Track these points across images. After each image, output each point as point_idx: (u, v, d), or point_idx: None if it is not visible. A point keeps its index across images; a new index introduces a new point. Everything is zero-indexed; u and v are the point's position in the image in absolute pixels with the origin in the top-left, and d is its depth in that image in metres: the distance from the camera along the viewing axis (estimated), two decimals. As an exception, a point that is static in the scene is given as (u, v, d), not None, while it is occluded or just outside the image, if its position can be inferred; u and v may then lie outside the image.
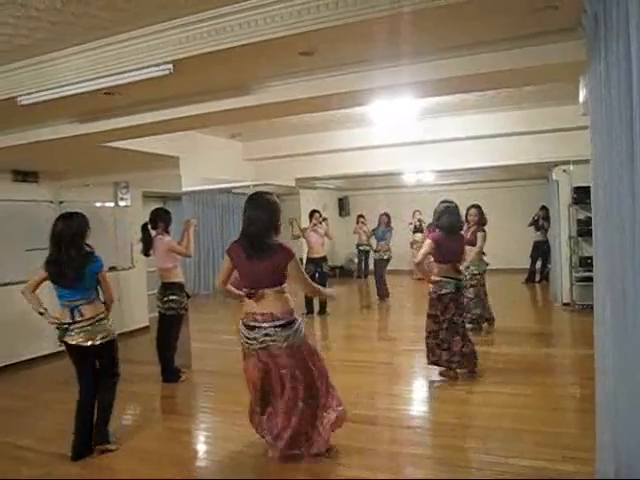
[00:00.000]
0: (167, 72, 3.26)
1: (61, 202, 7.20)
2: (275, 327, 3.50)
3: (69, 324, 3.82)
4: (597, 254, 2.75)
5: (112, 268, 8.04)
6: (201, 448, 4.28)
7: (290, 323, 3.55)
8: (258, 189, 9.59)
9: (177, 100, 4.08)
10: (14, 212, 6.70)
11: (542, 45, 3.06)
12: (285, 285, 3.64)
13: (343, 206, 15.73)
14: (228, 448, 4.02)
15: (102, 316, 3.90)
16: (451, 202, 5.36)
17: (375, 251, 10.73)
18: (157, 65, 3.26)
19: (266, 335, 3.50)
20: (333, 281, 13.54)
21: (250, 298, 3.59)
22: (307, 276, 3.93)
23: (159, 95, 4.03)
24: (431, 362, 5.34)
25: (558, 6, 2.65)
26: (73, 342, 3.81)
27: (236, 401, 4.96)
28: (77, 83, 3.56)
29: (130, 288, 8.27)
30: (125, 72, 3.38)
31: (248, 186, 8.49)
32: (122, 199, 8.33)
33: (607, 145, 2.35)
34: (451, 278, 5.19)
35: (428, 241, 5.34)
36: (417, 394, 5.22)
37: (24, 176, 6.93)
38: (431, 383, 5.35)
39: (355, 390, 5.02)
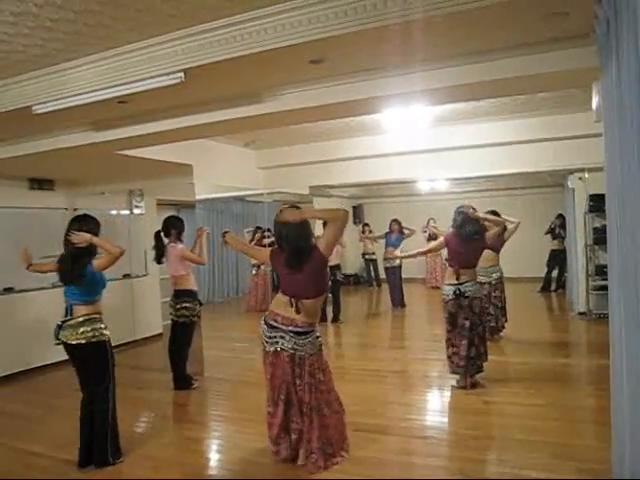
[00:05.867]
0: (178, 80, 3.30)
1: (75, 209, 7.25)
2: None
3: (62, 322, 3.82)
4: (611, 262, 2.71)
5: (126, 275, 8.13)
6: (212, 457, 4.26)
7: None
8: (271, 197, 9.74)
9: (189, 109, 4.13)
10: (30, 219, 6.78)
11: (555, 51, 3.05)
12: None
13: (357, 214, 15.71)
14: (239, 456, 4.00)
15: (96, 317, 3.83)
16: (465, 207, 5.33)
17: (384, 259, 10.57)
18: (168, 74, 3.31)
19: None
20: (347, 289, 13.53)
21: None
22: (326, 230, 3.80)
23: (171, 104, 4.07)
24: (452, 372, 5.31)
25: (569, 12, 2.64)
26: (63, 339, 3.79)
27: (247, 409, 4.97)
28: (90, 92, 3.61)
29: (144, 295, 8.32)
30: (137, 81, 3.43)
31: (262, 194, 8.51)
32: (136, 207, 8.39)
33: (620, 152, 2.32)
34: (451, 284, 5.18)
35: (441, 239, 5.59)
36: (430, 403, 5.16)
37: (40, 184, 7.03)
38: (445, 392, 5.30)
39: (368, 399, 5.00)
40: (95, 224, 3.93)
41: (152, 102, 3.96)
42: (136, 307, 8.20)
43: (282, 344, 3.57)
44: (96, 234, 3.87)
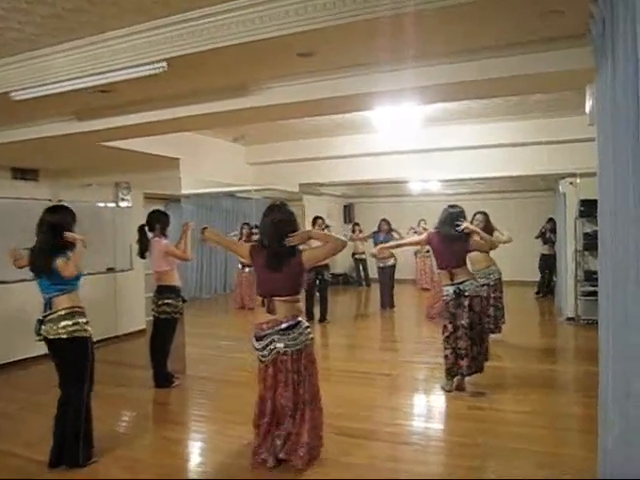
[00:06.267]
0: (161, 70, 3.20)
1: (60, 201, 7.10)
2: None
3: (44, 317, 3.68)
4: (602, 268, 2.64)
5: (110, 269, 8.00)
6: (190, 459, 4.13)
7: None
8: (260, 194, 9.63)
9: (174, 100, 4.02)
10: (12, 210, 6.62)
11: (549, 52, 2.98)
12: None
13: (349, 213, 15.64)
14: (219, 460, 3.89)
15: (78, 310, 3.70)
16: (456, 207, 5.22)
17: (372, 255, 10.41)
18: (151, 63, 3.19)
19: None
20: (336, 289, 13.44)
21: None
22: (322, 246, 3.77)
23: (156, 95, 3.97)
24: (447, 373, 5.13)
25: (564, 11, 2.55)
26: (44, 334, 3.66)
27: (229, 409, 4.88)
28: (70, 80, 3.50)
29: (128, 290, 8.19)
30: (119, 70, 3.31)
31: (250, 190, 8.40)
32: (123, 200, 8.26)
33: (613, 156, 2.23)
34: (449, 285, 5.09)
35: (424, 235, 5.54)
36: (417, 408, 5.07)
37: (23, 174, 6.88)
38: (431, 396, 5.23)
39: (353, 402, 4.90)
40: (70, 216, 3.80)
41: (135, 92, 3.84)
42: (120, 301, 8.07)
43: (276, 347, 3.52)
44: (70, 226, 3.75)
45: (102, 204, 8.05)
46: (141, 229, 5.66)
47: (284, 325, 3.53)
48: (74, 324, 3.65)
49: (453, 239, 5.06)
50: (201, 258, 11.74)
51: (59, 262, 3.58)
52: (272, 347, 3.53)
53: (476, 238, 5.29)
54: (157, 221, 5.63)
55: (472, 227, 5.29)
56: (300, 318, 3.64)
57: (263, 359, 3.59)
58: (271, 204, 3.70)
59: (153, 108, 4.11)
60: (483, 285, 6.54)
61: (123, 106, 4.19)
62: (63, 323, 3.62)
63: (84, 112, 4.45)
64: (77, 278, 3.77)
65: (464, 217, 5.22)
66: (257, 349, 3.61)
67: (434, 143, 7.03)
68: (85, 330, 3.71)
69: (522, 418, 4.45)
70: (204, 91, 3.85)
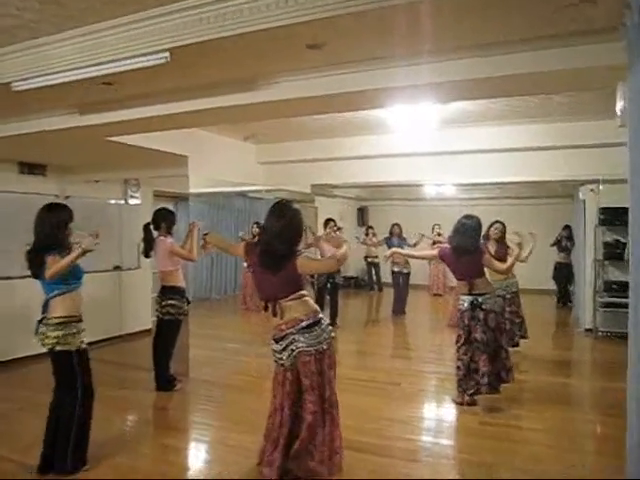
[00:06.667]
0: (164, 61, 3.02)
1: (67, 197, 7.00)
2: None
3: (40, 319, 3.55)
4: (635, 279, 2.43)
5: (117, 267, 7.89)
6: (189, 470, 3.92)
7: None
8: (272, 194, 9.46)
9: (178, 94, 3.85)
10: (18, 205, 6.50)
11: (575, 46, 2.76)
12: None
13: (362, 216, 15.46)
14: (217, 470, 3.73)
15: (72, 319, 3.52)
16: (471, 218, 4.93)
17: (393, 262, 10.25)
18: (153, 53, 3.02)
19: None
20: (347, 292, 13.26)
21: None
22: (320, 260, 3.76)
23: (159, 88, 3.81)
24: (459, 386, 4.92)
25: (596, 0, 2.34)
26: (39, 338, 3.53)
27: (231, 417, 4.73)
28: (71, 70, 3.35)
29: (135, 289, 8.07)
30: (120, 60, 3.15)
31: (261, 190, 8.23)
32: (132, 197, 8.15)
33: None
34: (465, 295, 4.86)
35: (435, 251, 5.30)
36: (426, 422, 4.82)
37: (30, 168, 6.77)
38: (441, 410, 5.03)
39: (361, 413, 4.67)
40: (67, 214, 3.65)
41: (139, 85, 3.68)
42: (125, 300, 7.95)
43: (297, 346, 3.31)
44: (67, 224, 3.61)
45: (111, 201, 7.95)
46: (146, 227, 5.54)
47: (304, 323, 3.33)
48: (64, 336, 3.48)
49: (466, 252, 4.83)
50: (211, 257, 11.61)
51: (48, 260, 3.42)
52: (293, 347, 3.32)
53: (489, 258, 5.03)
54: (163, 219, 5.51)
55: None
56: (321, 315, 3.46)
57: (282, 362, 3.38)
58: (275, 203, 3.53)
59: (157, 102, 3.94)
60: (499, 296, 6.34)
61: (126, 100, 4.03)
62: (54, 333, 3.47)
63: (87, 106, 4.30)
64: (77, 278, 3.62)
65: (479, 229, 4.99)
66: (276, 352, 3.42)
67: (450, 146, 6.80)
68: (71, 343, 3.51)
69: (536, 436, 4.23)
70: (210, 85, 3.68)
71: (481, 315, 4.77)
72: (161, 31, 2.93)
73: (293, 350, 3.32)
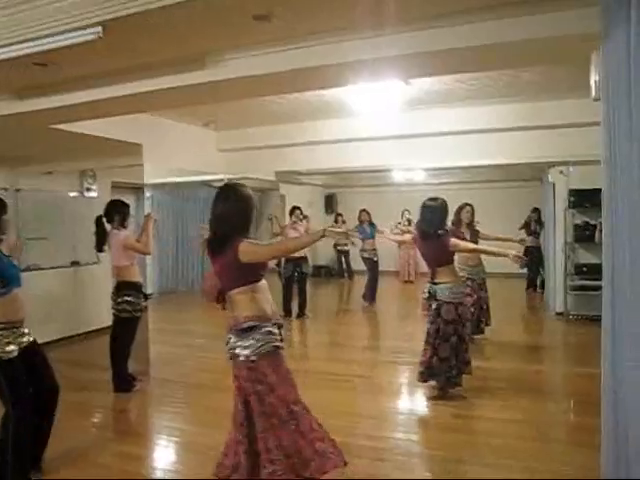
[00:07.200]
0: (96, 36, 2.74)
1: (18, 190, 6.62)
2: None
3: None
4: (607, 262, 2.26)
5: (74, 263, 7.52)
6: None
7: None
8: (234, 182, 9.13)
9: (122, 76, 3.56)
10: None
11: (546, 13, 2.53)
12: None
13: (330, 204, 15.21)
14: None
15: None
16: (436, 200, 4.72)
17: (361, 250, 10.05)
18: (84, 28, 2.72)
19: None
20: (317, 281, 13.06)
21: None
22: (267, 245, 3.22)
23: (100, 69, 3.52)
24: (422, 380, 4.74)
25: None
26: None
27: (195, 420, 4.47)
28: (-3, 48, 3.02)
29: (94, 285, 7.66)
30: (48, 36, 2.84)
31: (222, 179, 7.92)
32: (89, 189, 7.76)
33: (630, 136, 1.83)
34: (428, 282, 4.72)
35: (410, 236, 5.30)
36: (396, 417, 4.59)
37: (-28, 160, 6.37)
38: (412, 403, 4.87)
39: (327, 409, 4.41)
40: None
41: (77, 66, 3.39)
42: (84, 297, 7.59)
43: (233, 346, 2.92)
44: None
45: (68, 193, 7.55)
46: (99, 220, 5.25)
47: (245, 325, 2.89)
48: None
49: (431, 237, 4.64)
50: (177, 248, 11.29)
51: None
52: (229, 347, 2.94)
53: (457, 241, 4.82)
54: (116, 212, 5.20)
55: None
56: (268, 323, 2.94)
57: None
58: (222, 185, 3.15)
59: (99, 85, 3.64)
60: (472, 280, 6.24)
61: (66, 83, 3.72)
62: None
63: (26, 90, 3.98)
64: (7, 276, 3.27)
65: (444, 211, 4.79)
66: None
67: (417, 128, 6.61)
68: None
69: (511, 428, 4.06)
70: (155, 65, 3.38)
71: (434, 305, 4.60)
72: (91, 3, 2.64)
73: (229, 350, 2.96)
